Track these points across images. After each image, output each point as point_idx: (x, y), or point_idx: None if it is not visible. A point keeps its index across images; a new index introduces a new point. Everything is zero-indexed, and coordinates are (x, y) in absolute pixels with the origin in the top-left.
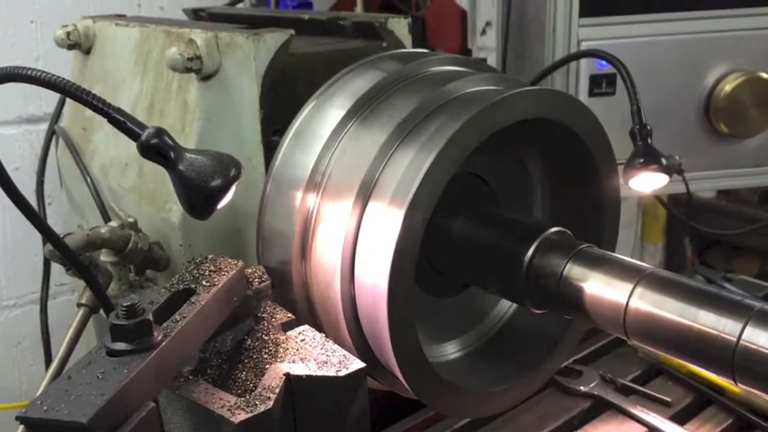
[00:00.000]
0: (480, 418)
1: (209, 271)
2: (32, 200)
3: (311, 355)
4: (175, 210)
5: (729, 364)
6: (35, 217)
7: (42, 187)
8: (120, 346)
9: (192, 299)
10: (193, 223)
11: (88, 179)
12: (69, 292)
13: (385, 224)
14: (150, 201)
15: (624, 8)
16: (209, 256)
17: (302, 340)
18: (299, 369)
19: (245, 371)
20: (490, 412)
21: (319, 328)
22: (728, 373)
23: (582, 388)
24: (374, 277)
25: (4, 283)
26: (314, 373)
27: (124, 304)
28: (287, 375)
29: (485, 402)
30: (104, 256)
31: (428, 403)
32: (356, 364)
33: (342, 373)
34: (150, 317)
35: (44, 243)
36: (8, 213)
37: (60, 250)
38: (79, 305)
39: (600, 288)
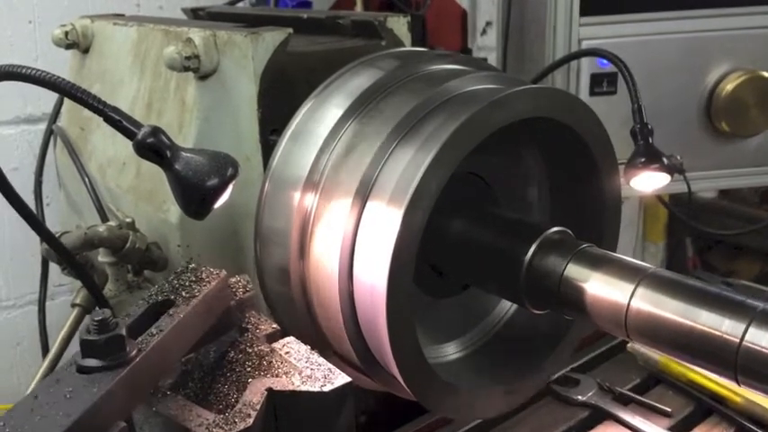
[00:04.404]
0: (478, 423)
1: (190, 281)
2: (31, 200)
3: (295, 368)
4: (173, 210)
5: (732, 365)
6: (31, 216)
7: (40, 187)
8: (91, 362)
9: (171, 311)
10: (191, 223)
11: (86, 179)
12: (68, 292)
13: (384, 224)
14: (148, 201)
15: (625, 7)
16: (191, 266)
17: (287, 353)
18: (282, 383)
19: (228, 384)
20: (490, 414)
21: (317, 329)
22: (731, 374)
23: (579, 397)
24: (373, 277)
25: (3, 284)
26: (297, 388)
27: (95, 318)
28: (269, 390)
29: (484, 404)
30: (102, 257)
31: (427, 404)
32: (341, 378)
33: (326, 388)
34: (123, 331)
35: (42, 243)
36: (7, 213)
37: (56, 249)
38: (73, 305)
39: (601, 288)
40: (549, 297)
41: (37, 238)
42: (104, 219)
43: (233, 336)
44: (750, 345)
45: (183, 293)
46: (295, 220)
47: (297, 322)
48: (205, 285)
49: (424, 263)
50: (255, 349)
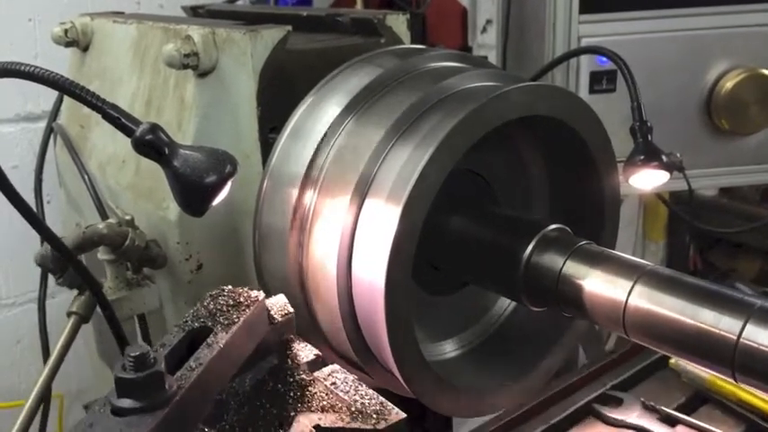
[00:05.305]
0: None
1: (227, 306)
2: (31, 198)
3: (343, 401)
4: (173, 207)
5: (730, 362)
6: (31, 214)
7: (40, 185)
8: (127, 403)
9: (209, 340)
10: (190, 221)
11: (86, 177)
12: (68, 291)
13: (382, 221)
14: (148, 198)
15: (625, 4)
16: (227, 288)
17: (332, 383)
18: (330, 419)
19: (268, 418)
20: (488, 412)
21: (316, 325)
22: (729, 371)
23: (623, 418)
24: (371, 274)
25: (3, 282)
26: (348, 425)
27: (132, 354)
28: (317, 428)
29: (483, 401)
30: (101, 254)
31: (425, 402)
32: (396, 414)
33: (381, 426)
34: (162, 367)
35: (42, 242)
36: (6, 211)
37: (57, 248)
38: (69, 314)
39: (599, 285)
40: (547, 294)
41: (37, 237)
42: (104, 216)
43: (270, 361)
44: (747, 342)
45: (221, 320)
46: (294, 217)
47: (295, 319)
48: (244, 310)
49: (423, 260)
50: (297, 378)
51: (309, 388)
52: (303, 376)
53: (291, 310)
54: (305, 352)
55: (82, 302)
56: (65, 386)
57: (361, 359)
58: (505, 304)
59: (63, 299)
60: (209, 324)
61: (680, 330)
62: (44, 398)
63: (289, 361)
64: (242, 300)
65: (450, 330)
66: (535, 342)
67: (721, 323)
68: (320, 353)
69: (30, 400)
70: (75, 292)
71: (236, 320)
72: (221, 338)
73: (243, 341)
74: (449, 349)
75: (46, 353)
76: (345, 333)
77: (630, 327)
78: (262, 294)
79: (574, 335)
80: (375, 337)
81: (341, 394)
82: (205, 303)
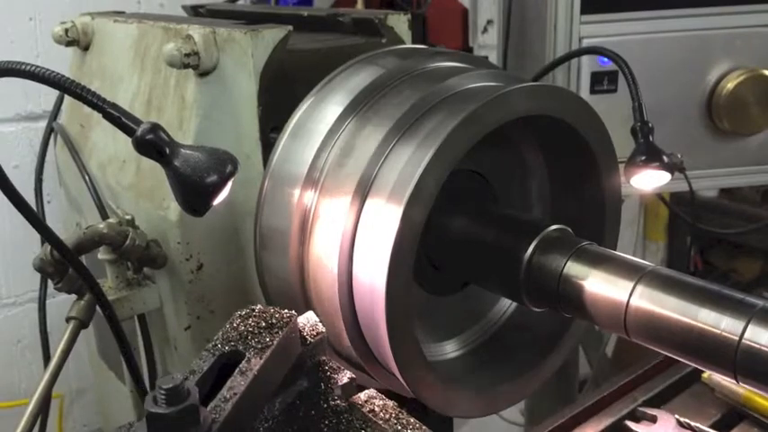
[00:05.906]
0: None
1: (259, 328)
2: (32, 198)
3: (383, 430)
4: (173, 207)
5: (731, 363)
6: (31, 214)
7: (41, 185)
8: None
9: (242, 366)
10: (191, 221)
11: (86, 177)
12: None
13: (383, 221)
14: (148, 198)
15: (626, 5)
16: (257, 308)
17: (370, 410)
18: None
19: None
20: (489, 412)
21: None
22: (731, 372)
23: None
24: (372, 275)
25: (3, 282)
26: None
27: (164, 386)
28: None
29: (484, 402)
30: (102, 254)
31: (427, 402)
32: None
33: None
34: (197, 399)
35: (43, 242)
36: (7, 211)
37: (59, 250)
38: (68, 319)
39: (600, 286)
40: (548, 295)
41: (38, 236)
42: (104, 216)
43: (300, 384)
44: (749, 343)
45: (253, 343)
46: (295, 217)
47: None
48: (276, 332)
49: (424, 260)
50: (331, 404)
51: (345, 415)
52: (338, 402)
53: (323, 329)
54: (338, 375)
55: (81, 307)
56: (65, 386)
57: (362, 359)
58: (506, 305)
59: (63, 299)
60: (240, 348)
61: (681, 331)
62: (44, 402)
63: (321, 385)
64: (274, 321)
65: (451, 331)
66: (536, 342)
67: (723, 324)
68: (354, 376)
69: (30, 406)
70: (73, 301)
71: (269, 344)
72: (255, 364)
73: (277, 366)
74: (449, 350)
75: (46, 353)
76: (347, 333)
77: (632, 328)
78: (294, 314)
79: (574, 336)
80: (376, 337)
81: (380, 422)
82: (234, 324)
